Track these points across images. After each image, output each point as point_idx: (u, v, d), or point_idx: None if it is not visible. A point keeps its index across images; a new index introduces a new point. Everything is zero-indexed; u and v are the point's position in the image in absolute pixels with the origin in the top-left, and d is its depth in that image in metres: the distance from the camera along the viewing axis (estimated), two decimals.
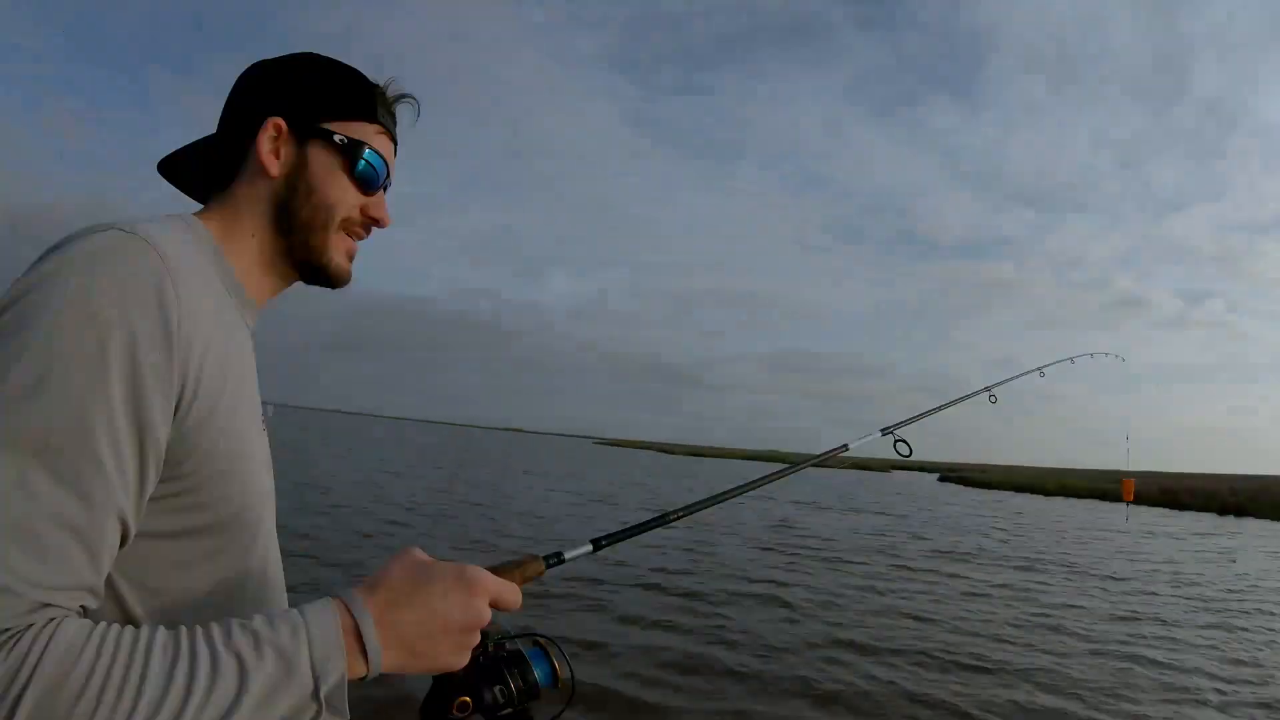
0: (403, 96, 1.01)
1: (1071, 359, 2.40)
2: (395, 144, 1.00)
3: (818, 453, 1.68)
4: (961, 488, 47.99)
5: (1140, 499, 34.97)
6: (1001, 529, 19.24)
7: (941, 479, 61.55)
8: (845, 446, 1.67)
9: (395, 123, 1.00)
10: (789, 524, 16.55)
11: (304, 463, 21.11)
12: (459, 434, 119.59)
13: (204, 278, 0.79)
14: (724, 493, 1.33)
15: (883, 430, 1.74)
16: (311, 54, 0.95)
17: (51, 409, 0.62)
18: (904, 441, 1.74)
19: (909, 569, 11.35)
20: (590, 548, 1.03)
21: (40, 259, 0.70)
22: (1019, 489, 46.26)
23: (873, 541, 14.67)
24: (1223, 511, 32.08)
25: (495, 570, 0.82)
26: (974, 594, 9.56)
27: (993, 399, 2.17)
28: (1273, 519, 28.55)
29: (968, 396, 2.09)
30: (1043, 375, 2.29)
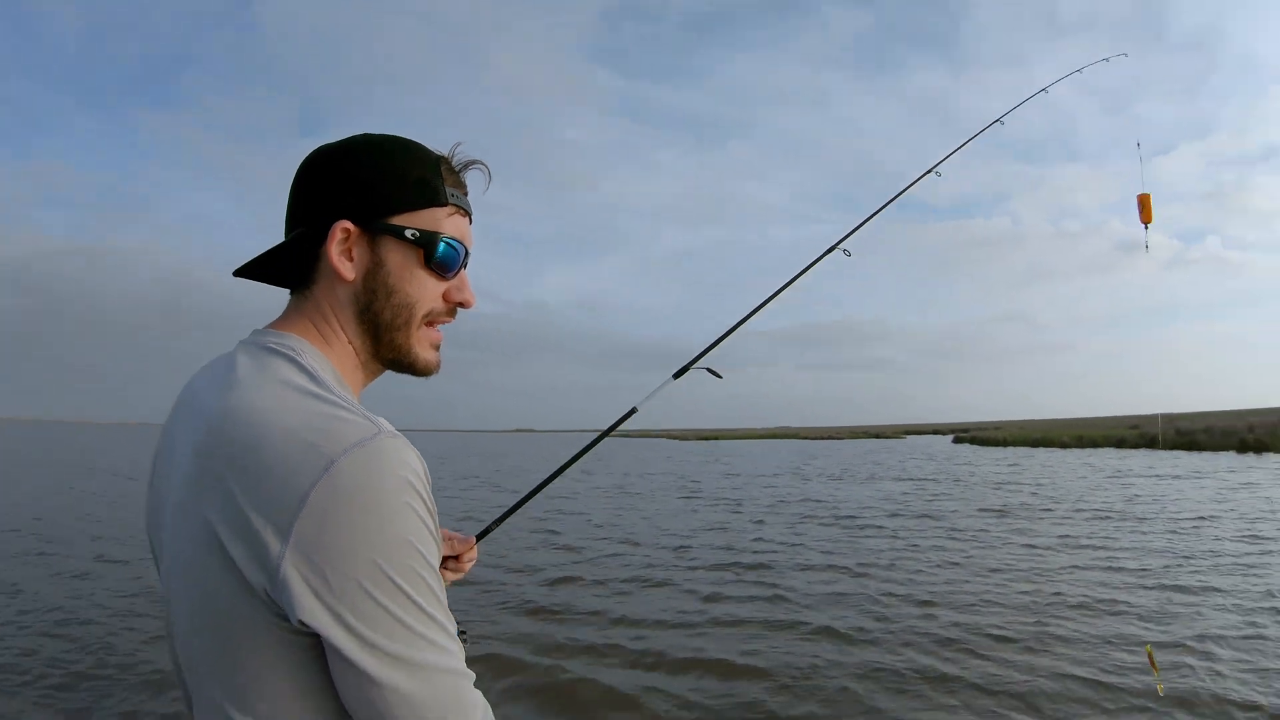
0: (471, 164, 1.22)
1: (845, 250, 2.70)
2: (470, 215, 1.21)
3: (614, 418, 2.09)
4: (976, 448, 60.20)
5: (1158, 443, 45.75)
6: (1040, 483, 25.69)
7: (955, 440, 75.78)
8: (634, 409, 2.04)
9: (467, 193, 1.21)
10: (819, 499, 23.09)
11: None
12: (467, 439, 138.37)
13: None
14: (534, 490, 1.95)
15: (675, 375, 2.12)
16: (368, 140, 1.15)
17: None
18: (710, 370, 2.15)
19: (952, 528, 15.95)
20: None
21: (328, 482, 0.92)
22: (1035, 444, 57.04)
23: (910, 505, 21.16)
24: (1242, 449, 38.34)
25: None
26: (1032, 546, 13.02)
27: (846, 253, 2.60)
28: None
29: (818, 259, 2.56)
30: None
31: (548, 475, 2.11)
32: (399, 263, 1.12)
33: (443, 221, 1.14)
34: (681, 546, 13.94)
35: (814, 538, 14.93)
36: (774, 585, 10.56)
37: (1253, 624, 8.00)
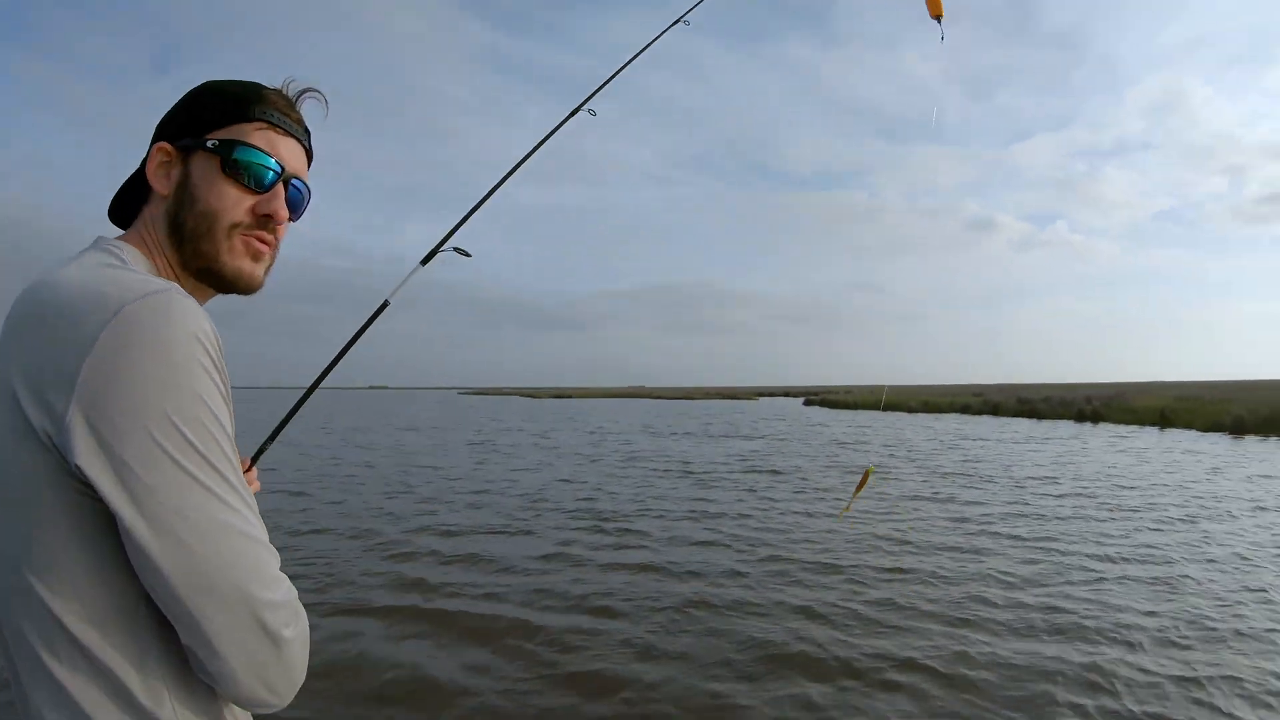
0: (304, 92, 1.32)
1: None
2: (298, 139, 1.30)
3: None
4: (827, 410, 63.00)
5: (1000, 410, 49.63)
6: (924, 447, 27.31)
7: (806, 403, 78.70)
8: (386, 303, 2.12)
9: (291, 118, 1.29)
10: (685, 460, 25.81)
11: None
12: (327, 396, 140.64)
13: None
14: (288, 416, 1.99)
15: (423, 261, 2.24)
16: (206, 81, 1.27)
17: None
18: (458, 249, 2.27)
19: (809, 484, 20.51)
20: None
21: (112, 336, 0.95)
22: (885, 408, 60.14)
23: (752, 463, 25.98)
24: (1080, 418, 41.43)
25: None
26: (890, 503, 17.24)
27: (591, 113, 2.82)
28: (1122, 423, 37.97)
29: (565, 120, 2.71)
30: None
31: (312, 383, 2.15)
32: (201, 173, 1.20)
33: (249, 134, 1.22)
34: (538, 499, 14.34)
35: (669, 490, 15.58)
36: (625, 531, 11.08)
37: (1065, 565, 8.91)
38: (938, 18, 4.25)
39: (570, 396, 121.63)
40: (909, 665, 5.95)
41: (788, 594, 7.86)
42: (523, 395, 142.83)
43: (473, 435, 33.26)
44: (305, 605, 1.08)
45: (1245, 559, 9.23)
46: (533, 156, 2.58)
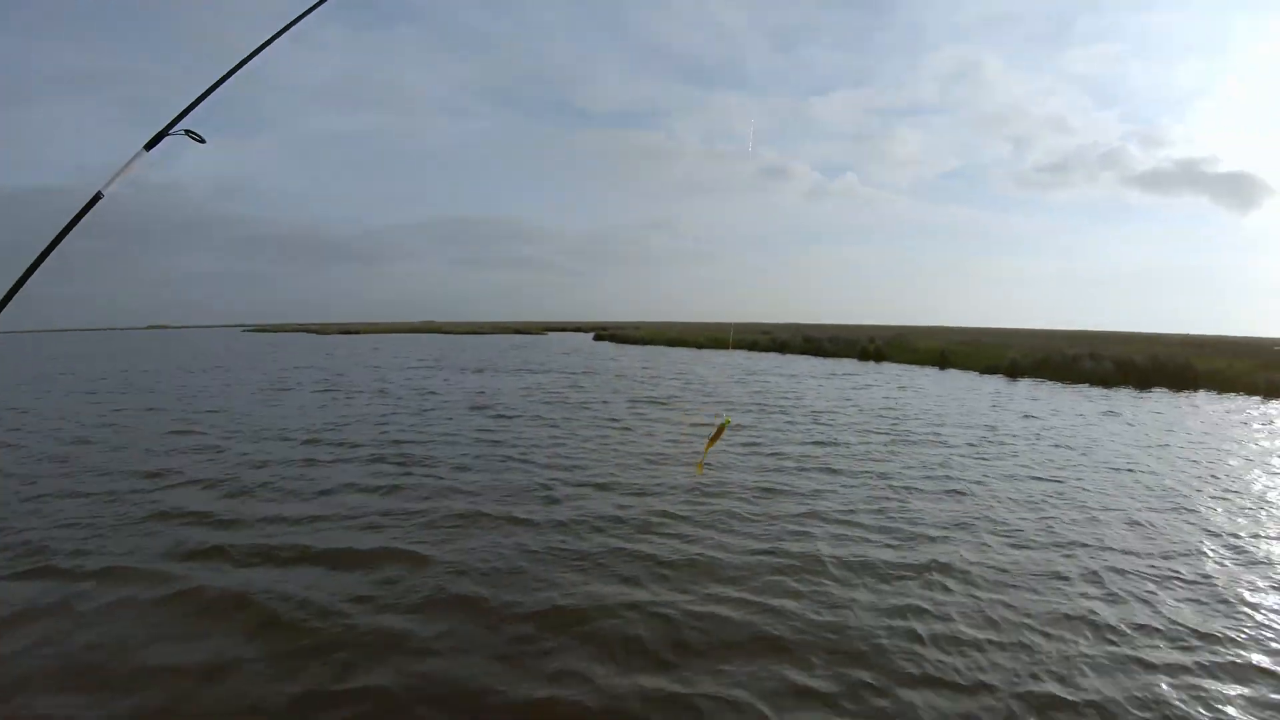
0: None
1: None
2: None
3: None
4: (617, 345, 65.68)
5: (787, 348, 52.64)
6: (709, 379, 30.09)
7: (596, 338, 79.55)
8: (100, 195, 2.07)
9: None
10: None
11: None
12: (102, 338, 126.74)
13: None
14: None
15: (147, 145, 2.21)
16: None
17: None
18: (190, 133, 2.21)
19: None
20: None
21: None
22: (671, 343, 63.82)
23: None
24: (863, 357, 45.21)
25: None
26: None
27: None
28: (904, 362, 41.30)
29: (305, 14, 3.00)
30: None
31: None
32: None
33: None
34: (327, 435, 14.49)
35: (464, 422, 16.02)
36: (419, 462, 11.51)
37: (842, 483, 10.03)
38: None
39: (359, 332, 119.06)
40: (684, 562, 6.85)
41: (584, 508, 8.60)
42: (310, 331, 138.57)
43: (260, 375, 32.58)
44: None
45: (1004, 479, 10.78)
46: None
